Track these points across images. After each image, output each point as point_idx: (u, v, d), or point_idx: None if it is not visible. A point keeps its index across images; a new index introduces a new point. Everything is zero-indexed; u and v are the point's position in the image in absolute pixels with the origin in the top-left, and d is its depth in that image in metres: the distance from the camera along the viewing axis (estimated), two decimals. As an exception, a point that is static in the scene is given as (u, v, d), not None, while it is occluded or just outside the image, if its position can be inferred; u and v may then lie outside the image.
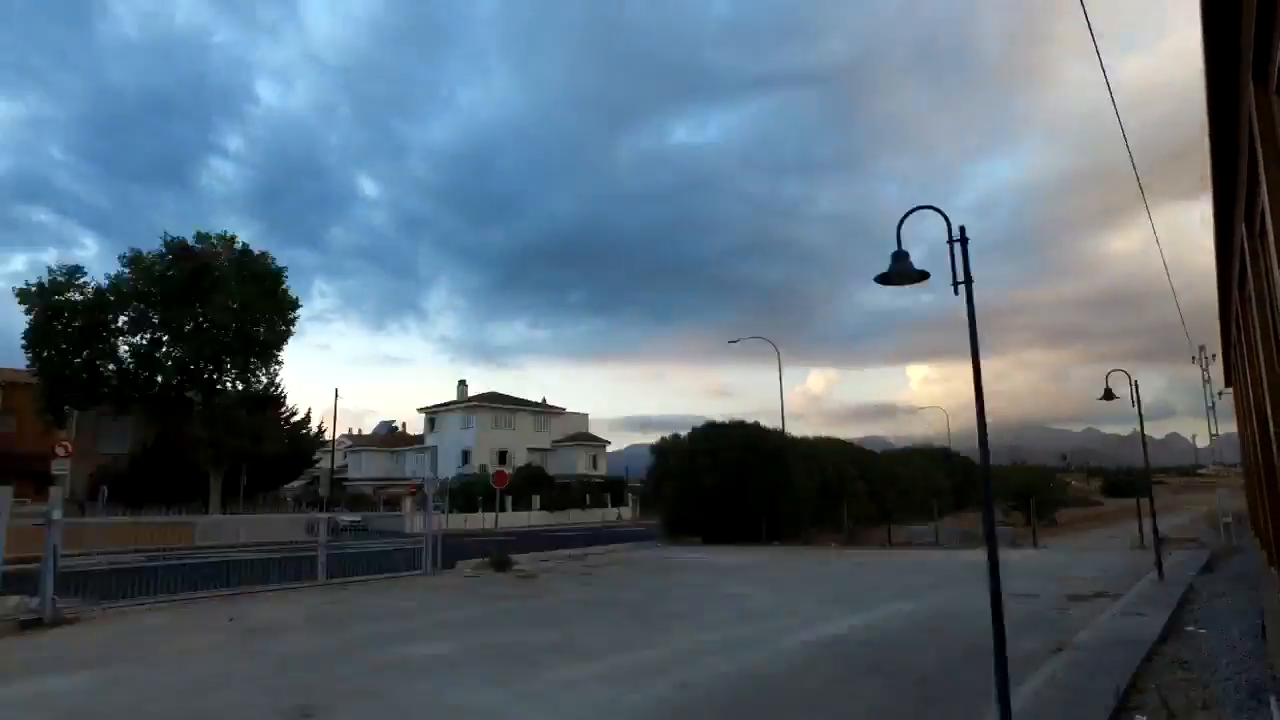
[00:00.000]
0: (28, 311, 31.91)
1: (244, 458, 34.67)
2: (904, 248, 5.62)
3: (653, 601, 12.54)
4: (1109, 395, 15.80)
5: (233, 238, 35.12)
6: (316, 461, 47.00)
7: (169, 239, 33.66)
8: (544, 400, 70.65)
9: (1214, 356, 27.34)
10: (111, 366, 33.62)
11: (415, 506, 31.26)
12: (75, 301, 32.62)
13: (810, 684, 6.87)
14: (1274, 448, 6.35)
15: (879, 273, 5.68)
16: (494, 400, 66.11)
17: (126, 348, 34.13)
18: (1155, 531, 15.16)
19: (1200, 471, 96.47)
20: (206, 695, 6.54)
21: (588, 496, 55.79)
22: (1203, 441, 49.32)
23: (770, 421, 33.31)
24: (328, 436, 47.24)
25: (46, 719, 6.05)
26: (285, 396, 39.37)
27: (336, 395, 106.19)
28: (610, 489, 59.13)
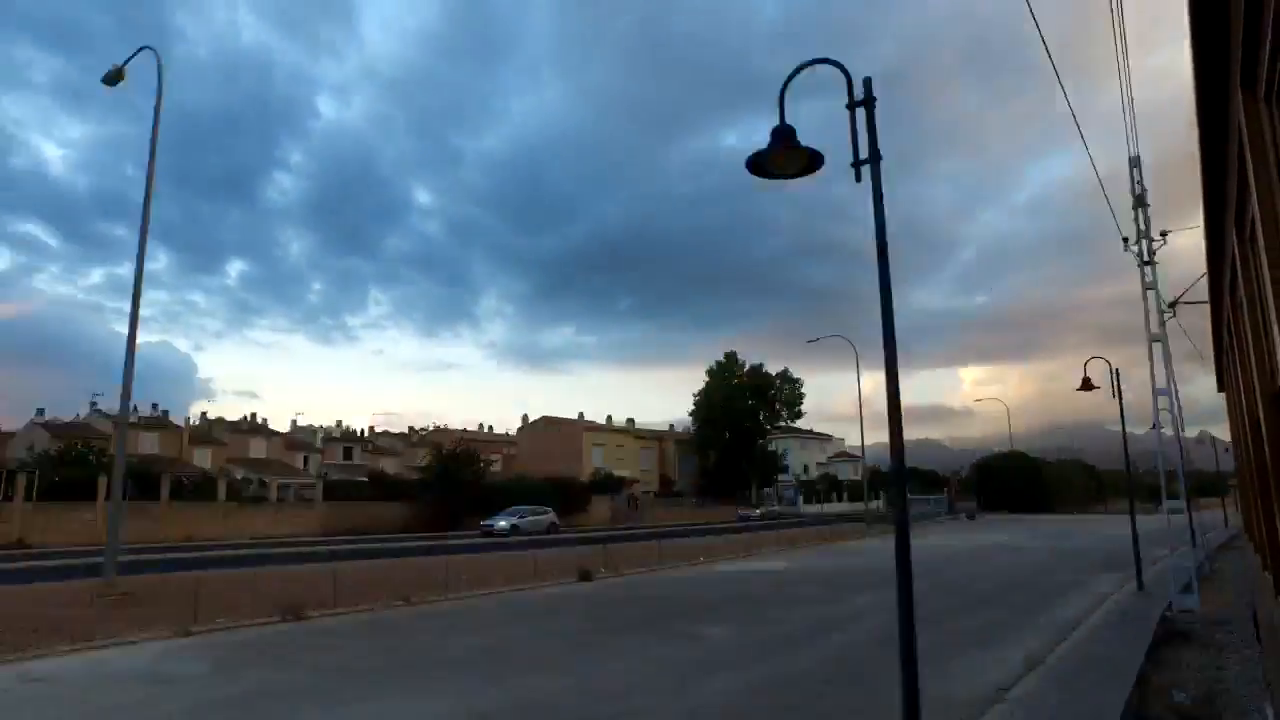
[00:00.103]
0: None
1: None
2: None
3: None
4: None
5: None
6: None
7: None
8: (811, 430, 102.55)
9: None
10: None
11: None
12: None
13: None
14: (1267, 452, 6.35)
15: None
16: (804, 433, 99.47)
17: None
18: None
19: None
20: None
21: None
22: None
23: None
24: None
25: None
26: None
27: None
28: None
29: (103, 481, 36.74)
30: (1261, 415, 6.08)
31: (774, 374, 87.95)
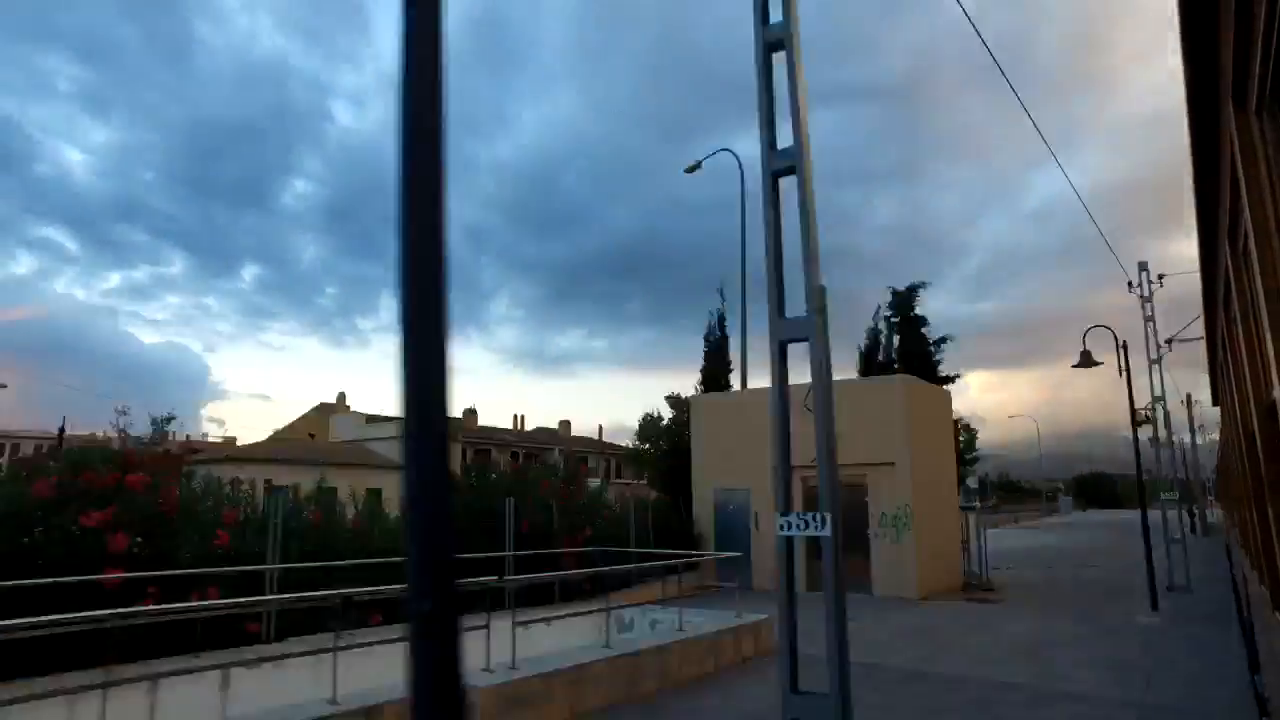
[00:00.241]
0: None
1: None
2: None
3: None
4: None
5: None
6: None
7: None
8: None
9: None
10: None
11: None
12: None
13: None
14: (1262, 465, 6.37)
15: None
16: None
17: None
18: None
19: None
20: None
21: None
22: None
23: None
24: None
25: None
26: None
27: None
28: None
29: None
30: (1256, 427, 6.10)
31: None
